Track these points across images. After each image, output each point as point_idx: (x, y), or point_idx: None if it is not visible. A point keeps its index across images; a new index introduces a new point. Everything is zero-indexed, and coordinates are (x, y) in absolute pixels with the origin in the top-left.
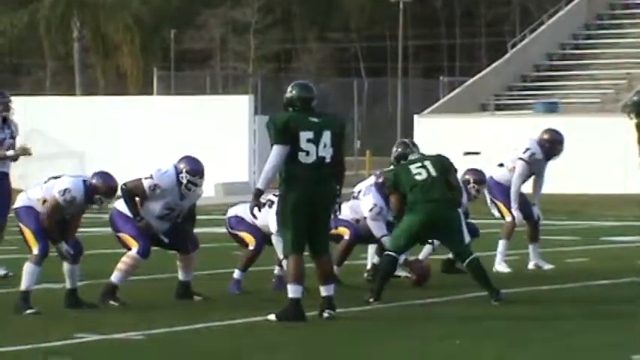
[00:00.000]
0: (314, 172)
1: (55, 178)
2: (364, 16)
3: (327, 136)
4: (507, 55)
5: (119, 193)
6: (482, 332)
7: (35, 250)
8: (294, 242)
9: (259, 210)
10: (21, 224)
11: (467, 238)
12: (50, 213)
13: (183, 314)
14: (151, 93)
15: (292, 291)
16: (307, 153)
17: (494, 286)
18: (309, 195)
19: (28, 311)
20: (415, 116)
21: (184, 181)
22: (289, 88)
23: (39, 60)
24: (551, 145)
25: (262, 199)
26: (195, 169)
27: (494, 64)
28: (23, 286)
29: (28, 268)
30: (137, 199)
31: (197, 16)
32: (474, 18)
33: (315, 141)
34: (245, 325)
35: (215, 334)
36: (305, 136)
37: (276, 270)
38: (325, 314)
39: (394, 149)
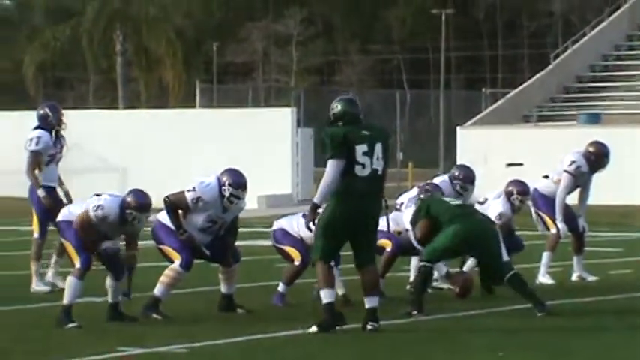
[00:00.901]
0: (368, 184)
1: (98, 195)
2: (406, 28)
3: (379, 149)
4: (550, 67)
5: (159, 206)
6: (525, 344)
7: (77, 264)
8: (326, 251)
9: (314, 224)
10: (62, 238)
11: (505, 255)
12: (81, 226)
13: (226, 327)
14: (193, 106)
15: (325, 296)
16: (363, 166)
17: (538, 297)
18: (362, 207)
19: (70, 325)
20: (458, 128)
21: (227, 194)
22: (334, 104)
23: (82, 74)
24: (597, 157)
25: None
26: (237, 181)
27: (536, 76)
28: (66, 300)
29: (70, 281)
30: (180, 211)
31: (239, 28)
32: (517, 29)
33: (370, 154)
34: (287, 338)
35: (257, 347)
36: (361, 149)
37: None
38: (369, 326)
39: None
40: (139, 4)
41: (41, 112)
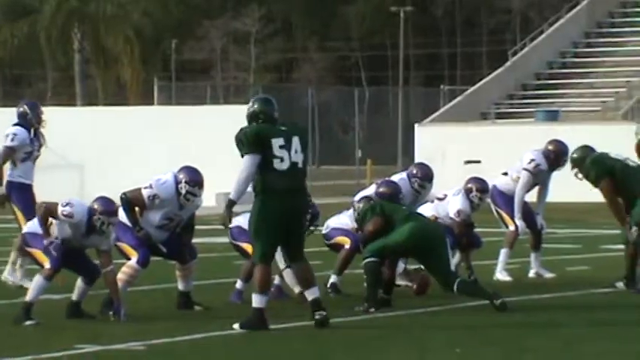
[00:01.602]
0: (289, 179)
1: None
2: (365, 26)
3: (296, 142)
4: (508, 64)
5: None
6: (483, 340)
7: (47, 265)
8: (265, 253)
9: (230, 221)
10: (28, 248)
11: (453, 265)
12: (45, 212)
13: (184, 324)
14: (151, 103)
15: (257, 301)
16: (281, 159)
17: (489, 292)
18: (286, 202)
19: (28, 322)
20: (416, 125)
21: (183, 192)
22: (250, 103)
23: (40, 71)
24: (556, 156)
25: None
26: (194, 179)
27: (494, 73)
28: (28, 298)
29: (37, 280)
30: (136, 208)
31: (197, 26)
32: (475, 27)
33: (287, 147)
34: (244, 336)
35: (215, 344)
36: (277, 142)
37: (276, 280)
38: (317, 316)
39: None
40: (96, 2)
41: (20, 109)
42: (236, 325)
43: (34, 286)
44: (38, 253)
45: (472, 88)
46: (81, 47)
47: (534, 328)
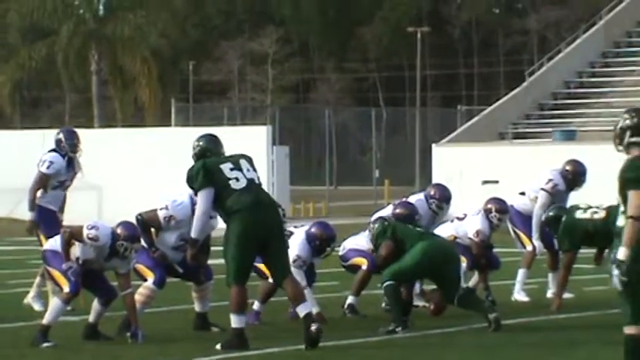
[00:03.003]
0: (252, 194)
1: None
2: (382, 47)
3: (245, 163)
4: (525, 84)
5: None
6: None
7: (66, 288)
8: (239, 273)
9: (199, 259)
10: (47, 266)
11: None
12: (70, 236)
13: (200, 346)
14: (169, 125)
15: (235, 321)
16: (237, 179)
17: (485, 306)
18: (256, 217)
19: (45, 344)
20: (433, 145)
21: None
22: (196, 142)
23: (58, 93)
24: (574, 176)
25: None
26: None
27: (512, 93)
28: (45, 320)
29: (55, 303)
30: (152, 230)
31: (215, 47)
32: (492, 47)
33: (238, 168)
34: (261, 356)
35: None
36: (227, 167)
37: (255, 305)
38: (313, 327)
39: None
40: (113, 24)
41: (57, 136)
42: (218, 346)
43: (51, 308)
44: (57, 275)
45: (489, 109)
46: (98, 69)
47: (552, 348)
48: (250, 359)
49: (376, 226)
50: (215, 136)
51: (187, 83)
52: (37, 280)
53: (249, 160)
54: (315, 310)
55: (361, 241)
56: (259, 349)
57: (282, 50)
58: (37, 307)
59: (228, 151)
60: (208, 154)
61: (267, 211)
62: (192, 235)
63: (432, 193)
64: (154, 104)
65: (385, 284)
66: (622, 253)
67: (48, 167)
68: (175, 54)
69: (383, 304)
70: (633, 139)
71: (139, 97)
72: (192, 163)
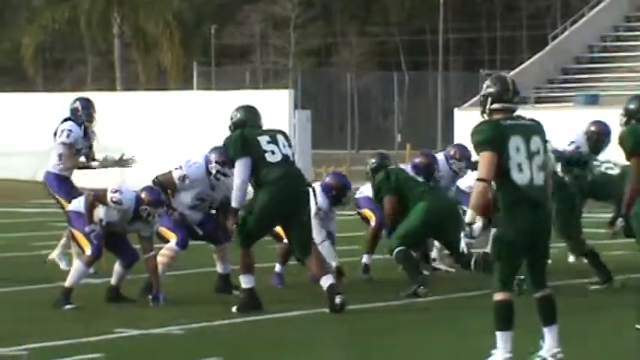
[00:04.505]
0: (285, 168)
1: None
2: (404, 10)
3: (281, 138)
4: (548, 48)
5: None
6: (523, 325)
7: (87, 251)
8: (249, 239)
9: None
10: (71, 227)
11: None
12: (94, 200)
13: (222, 308)
14: (191, 88)
15: (244, 282)
16: (272, 152)
17: None
18: (285, 190)
19: (68, 306)
20: (455, 109)
21: (213, 172)
22: (234, 112)
23: (80, 56)
24: (599, 136)
25: None
26: (224, 159)
27: (534, 57)
28: (68, 283)
29: (77, 266)
30: (169, 191)
31: (237, 11)
32: (515, 11)
33: (274, 142)
34: (283, 319)
35: (253, 327)
36: (264, 139)
37: (277, 268)
38: (337, 300)
39: (371, 161)
40: None
41: (73, 105)
42: (234, 309)
43: (73, 270)
44: (80, 236)
45: (512, 73)
46: (120, 32)
47: (575, 312)
48: (270, 322)
49: (380, 174)
50: (254, 108)
51: (209, 47)
52: (63, 240)
53: (286, 136)
54: (334, 264)
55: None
56: (279, 312)
57: (304, 14)
58: (62, 265)
59: None
60: (246, 125)
61: (295, 189)
62: (233, 204)
63: (452, 152)
64: (177, 68)
65: (395, 251)
66: (469, 215)
67: (68, 136)
68: (197, 17)
69: (400, 269)
70: (494, 106)
71: (161, 60)
72: (213, 126)
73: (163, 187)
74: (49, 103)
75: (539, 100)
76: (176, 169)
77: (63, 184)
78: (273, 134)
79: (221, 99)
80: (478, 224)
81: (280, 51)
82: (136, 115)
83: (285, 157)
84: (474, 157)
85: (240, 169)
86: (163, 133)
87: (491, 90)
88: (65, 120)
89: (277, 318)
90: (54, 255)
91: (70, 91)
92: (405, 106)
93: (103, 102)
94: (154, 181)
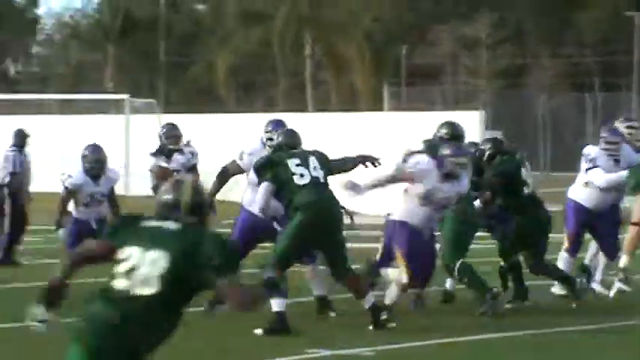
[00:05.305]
0: (312, 192)
1: None
2: (598, 31)
3: (313, 161)
4: None
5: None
6: None
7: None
8: (281, 263)
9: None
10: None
11: None
12: None
13: (412, 331)
14: (381, 109)
15: (276, 304)
16: (301, 175)
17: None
18: (317, 215)
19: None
20: None
21: None
22: (275, 136)
23: (271, 77)
24: None
25: None
26: None
27: None
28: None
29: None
30: None
31: (428, 31)
32: None
33: (305, 165)
34: (473, 342)
35: (442, 351)
36: (293, 162)
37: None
38: (382, 318)
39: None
40: (327, 8)
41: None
42: (259, 331)
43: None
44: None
45: None
46: (312, 52)
47: None
48: (459, 345)
49: None
50: (292, 131)
51: (400, 67)
52: None
53: (321, 157)
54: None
55: None
56: (464, 335)
57: (495, 34)
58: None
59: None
60: (285, 148)
61: (325, 212)
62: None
63: None
64: (367, 88)
65: (456, 268)
66: None
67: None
68: (388, 38)
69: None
70: None
71: (353, 81)
72: (404, 147)
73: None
74: (241, 123)
75: None
76: None
77: None
78: (304, 156)
79: (412, 119)
80: None
81: (471, 71)
82: (327, 136)
83: (314, 180)
84: None
85: (261, 193)
86: (354, 153)
87: None
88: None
89: (466, 341)
90: None
91: (261, 112)
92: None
93: (293, 123)
94: None
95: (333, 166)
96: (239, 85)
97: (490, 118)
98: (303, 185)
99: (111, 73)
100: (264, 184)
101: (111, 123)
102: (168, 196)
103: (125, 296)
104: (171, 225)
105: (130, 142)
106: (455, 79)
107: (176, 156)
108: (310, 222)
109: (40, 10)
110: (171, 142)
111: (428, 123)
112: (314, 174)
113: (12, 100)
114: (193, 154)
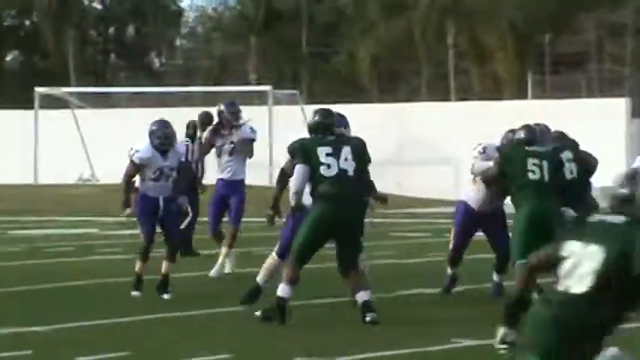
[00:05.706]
0: (337, 185)
1: None
2: None
3: (346, 151)
4: None
5: None
6: None
7: None
8: (300, 254)
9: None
10: None
11: None
12: None
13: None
14: (525, 97)
15: (282, 290)
16: (328, 166)
17: None
18: (335, 209)
19: None
20: None
21: None
22: (312, 115)
23: (414, 67)
24: None
25: None
26: None
27: None
28: None
29: None
30: None
31: (572, 19)
32: None
33: (335, 155)
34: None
35: None
36: (324, 150)
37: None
38: (367, 318)
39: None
40: None
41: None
42: (257, 313)
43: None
44: None
45: None
46: (455, 42)
47: None
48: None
49: None
50: (329, 111)
51: (544, 55)
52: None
53: (356, 147)
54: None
55: None
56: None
57: None
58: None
59: (586, 123)
60: (321, 129)
61: (343, 207)
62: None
63: None
64: (511, 77)
65: (516, 265)
66: None
67: None
68: (532, 26)
69: None
70: None
71: (496, 70)
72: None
73: None
74: (384, 113)
75: None
76: None
77: None
78: (338, 145)
79: (556, 108)
80: None
81: (616, 59)
82: (470, 125)
83: (342, 172)
84: None
85: (296, 175)
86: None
87: None
88: None
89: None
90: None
91: (404, 101)
92: None
93: (436, 112)
94: None
95: (366, 164)
96: (382, 75)
97: (637, 105)
98: (329, 177)
99: (254, 65)
100: (299, 168)
101: (254, 114)
102: (622, 190)
103: (562, 295)
104: (616, 219)
105: (273, 133)
106: (600, 66)
107: (235, 131)
108: (327, 216)
109: (184, 4)
110: (232, 117)
111: (571, 111)
112: (342, 166)
113: (157, 93)
114: (252, 130)
